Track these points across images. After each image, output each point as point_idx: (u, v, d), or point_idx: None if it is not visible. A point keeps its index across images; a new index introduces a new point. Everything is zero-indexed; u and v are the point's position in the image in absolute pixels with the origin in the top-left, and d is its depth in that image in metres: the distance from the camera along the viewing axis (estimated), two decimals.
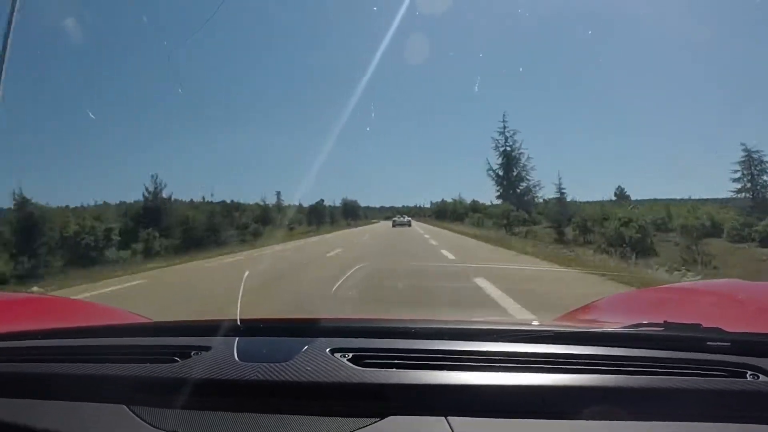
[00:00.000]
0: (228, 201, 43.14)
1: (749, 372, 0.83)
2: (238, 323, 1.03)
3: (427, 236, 23.80)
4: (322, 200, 57.10)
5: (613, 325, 1.08)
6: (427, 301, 5.37)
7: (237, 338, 0.98)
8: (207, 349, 0.95)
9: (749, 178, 29.22)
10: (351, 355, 0.89)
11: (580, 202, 35.86)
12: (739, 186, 29.79)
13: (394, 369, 0.85)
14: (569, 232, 27.07)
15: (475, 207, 52.58)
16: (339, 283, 5.94)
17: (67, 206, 29.61)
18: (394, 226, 42.85)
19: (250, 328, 1.03)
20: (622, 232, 20.07)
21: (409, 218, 51.65)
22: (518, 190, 42.21)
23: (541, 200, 40.66)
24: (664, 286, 2.38)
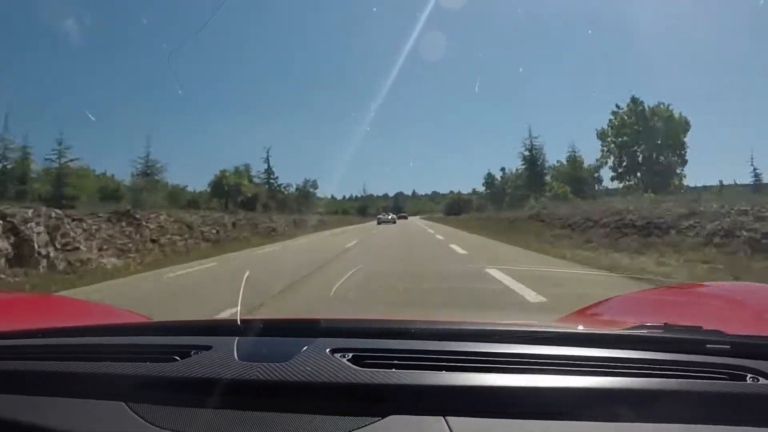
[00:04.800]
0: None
1: (749, 375, 0.83)
2: (238, 323, 1.03)
3: None
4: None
5: (613, 326, 1.08)
6: None
7: (237, 338, 0.98)
8: (207, 348, 0.95)
9: None
10: (351, 355, 0.90)
11: None
12: None
13: (394, 369, 0.85)
14: None
15: None
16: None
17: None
18: (378, 223, 43.98)
19: (250, 328, 1.03)
20: None
21: (394, 216, 54.74)
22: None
23: None
24: (665, 287, 2.38)
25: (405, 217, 63.47)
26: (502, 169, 49.54)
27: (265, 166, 44.68)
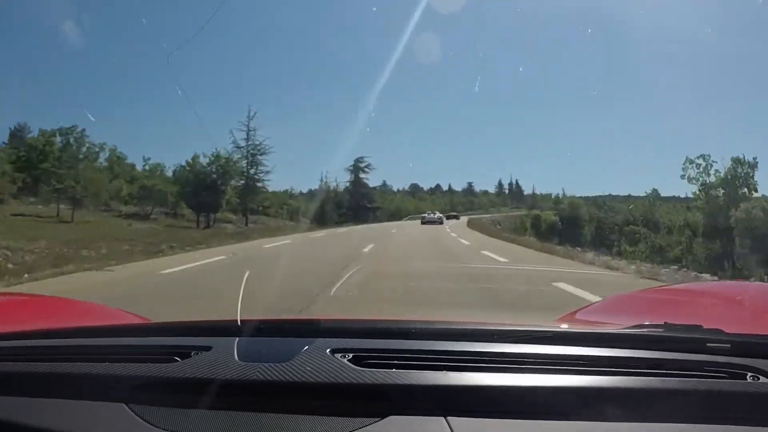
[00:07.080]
0: None
1: (749, 373, 0.83)
2: (239, 323, 1.03)
3: None
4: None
5: (613, 326, 1.08)
6: None
7: (237, 338, 0.98)
8: (207, 349, 0.95)
9: None
10: (351, 355, 0.89)
11: None
12: None
13: (395, 369, 0.85)
14: None
15: None
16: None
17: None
18: (423, 222, 39.33)
19: (251, 328, 1.03)
20: None
21: (441, 215, 46.39)
22: None
23: None
24: (664, 287, 2.39)
25: (456, 217, 53.33)
26: None
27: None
